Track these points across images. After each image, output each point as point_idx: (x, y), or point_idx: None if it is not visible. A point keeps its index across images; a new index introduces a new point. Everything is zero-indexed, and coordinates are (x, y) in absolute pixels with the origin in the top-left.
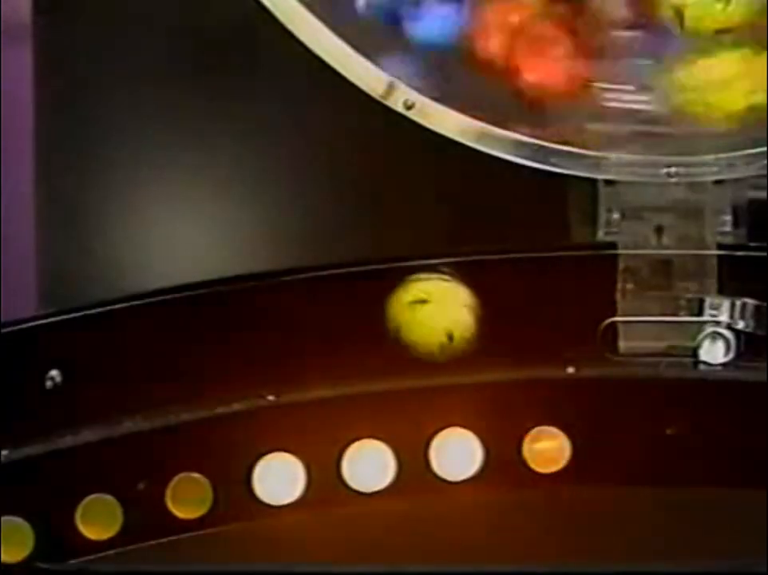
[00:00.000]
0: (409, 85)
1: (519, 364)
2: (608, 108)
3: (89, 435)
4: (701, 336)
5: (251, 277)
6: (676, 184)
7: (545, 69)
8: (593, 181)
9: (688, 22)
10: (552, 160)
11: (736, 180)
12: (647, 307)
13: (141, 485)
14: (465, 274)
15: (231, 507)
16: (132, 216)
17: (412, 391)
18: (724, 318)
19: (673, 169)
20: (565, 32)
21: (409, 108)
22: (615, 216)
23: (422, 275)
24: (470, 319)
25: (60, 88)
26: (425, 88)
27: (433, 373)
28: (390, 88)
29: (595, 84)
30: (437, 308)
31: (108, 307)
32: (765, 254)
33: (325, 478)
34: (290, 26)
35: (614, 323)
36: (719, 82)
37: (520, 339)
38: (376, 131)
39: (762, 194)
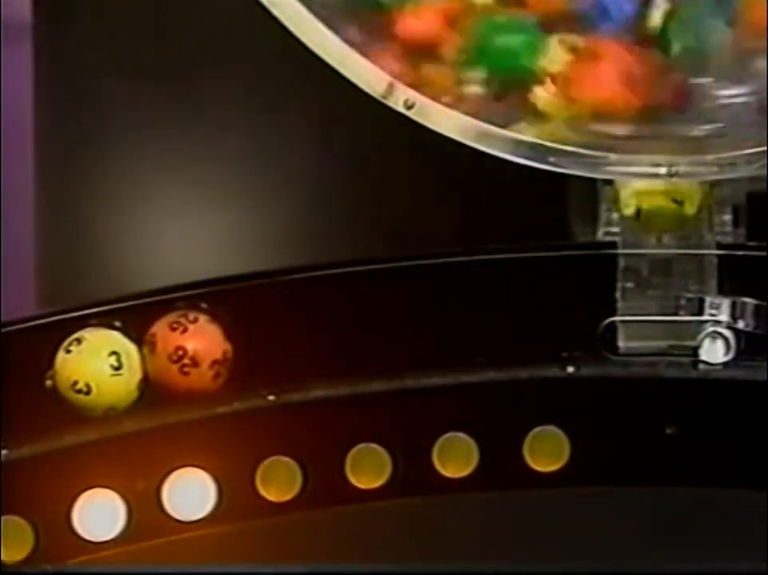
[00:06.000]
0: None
1: (518, 364)
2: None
3: (89, 434)
4: (701, 336)
5: (248, 277)
6: (676, 183)
7: None
8: (593, 181)
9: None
10: (552, 159)
11: (736, 180)
12: (647, 306)
13: (140, 484)
14: (466, 273)
15: (234, 507)
16: (132, 216)
17: (411, 393)
18: (724, 317)
19: (673, 169)
20: None
21: (409, 108)
22: (615, 215)
23: None
24: None
25: (60, 88)
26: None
27: (436, 373)
28: (390, 88)
29: None
30: None
31: (109, 307)
32: (765, 254)
33: (328, 476)
34: (290, 26)
35: (614, 322)
36: None
37: (519, 338)
38: (376, 131)
39: (761, 193)
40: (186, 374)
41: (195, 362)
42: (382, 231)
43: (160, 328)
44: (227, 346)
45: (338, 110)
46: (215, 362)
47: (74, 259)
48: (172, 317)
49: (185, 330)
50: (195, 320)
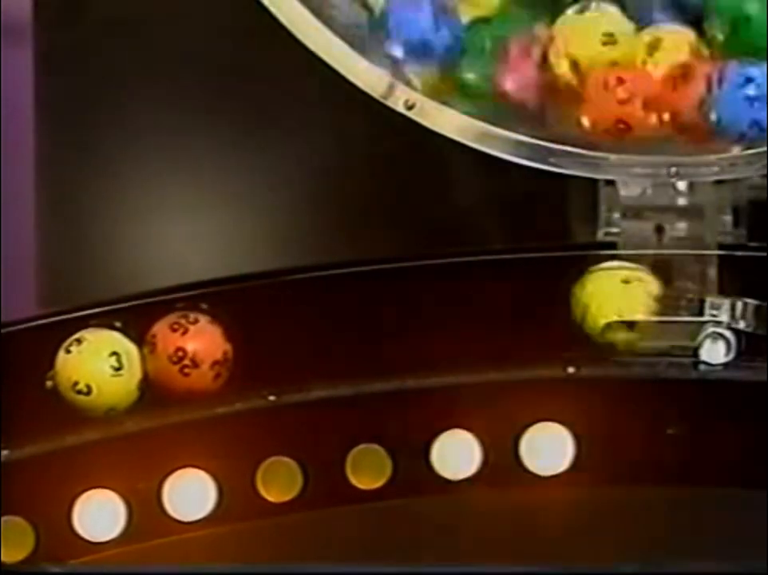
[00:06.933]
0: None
1: (519, 364)
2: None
3: (89, 434)
4: (701, 336)
5: (248, 277)
6: (676, 184)
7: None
8: (593, 181)
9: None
10: (552, 160)
11: (736, 180)
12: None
13: (140, 485)
14: (466, 274)
15: (233, 508)
16: (132, 216)
17: (411, 393)
18: (725, 318)
19: (673, 169)
20: None
21: (409, 108)
22: (616, 216)
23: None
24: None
25: (60, 88)
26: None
27: (435, 374)
28: (390, 88)
29: None
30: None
31: (109, 307)
32: (765, 254)
33: (328, 477)
34: (290, 26)
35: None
36: None
37: (520, 339)
38: (376, 131)
39: (762, 194)
40: (186, 375)
41: (195, 364)
42: (382, 231)
43: (160, 329)
44: (228, 347)
45: (338, 110)
46: (215, 363)
47: (74, 259)
48: (172, 318)
49: (185, 331)
50: (196, 321)
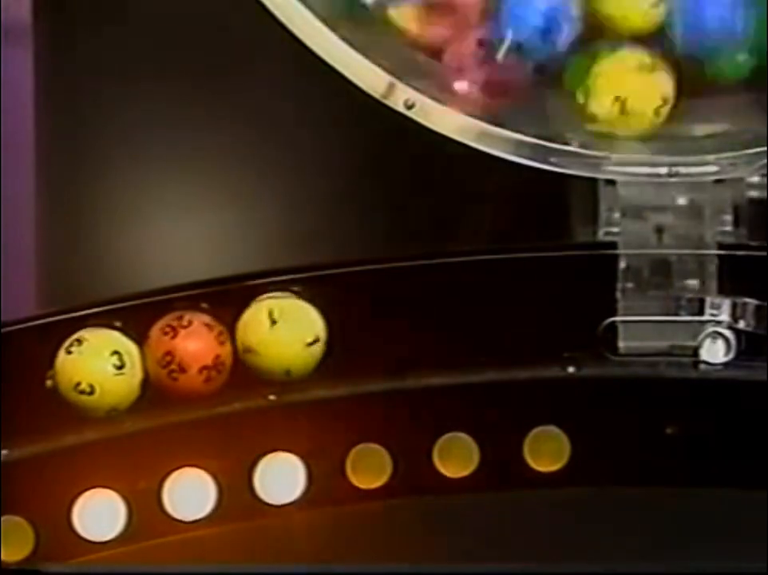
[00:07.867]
0: (409, 84)
1: (519, 364)
2: None
3: (90, 434)
4: (701, 336)
5: (248, 277)
6: (676, 183)
7: None
8: (593, 181)
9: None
10: (552, 160)
11: (736, 180)
12: (648, 306)
13: (140, 485)
14: (466, 273)
15: (232, 508)
16: (132, 215)
17: (411, 393)
18: (725, 317)
19: (673, 169)
20: None
21: (409, 108)
22: (616, 215)
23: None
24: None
25: (60, 88)
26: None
27: (436, 373)
28: (390, 88)
29: None
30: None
31: (109, 307)
32: (765, 254)
33: (328, 476)
34: (290, 26)
35: (614, 322)
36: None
37: (519, 338)
38: (376, 131)
39: (762, 194)
40: (174, 380)
41: (182, 368)
42: (381, 231)
43: (153, 331)
44: (222, 350)
45: (338, 110)
46: (204, 368)
47: (74, 259)
48: (166, 320)
49: (175, 335)
50: (189, 324)
